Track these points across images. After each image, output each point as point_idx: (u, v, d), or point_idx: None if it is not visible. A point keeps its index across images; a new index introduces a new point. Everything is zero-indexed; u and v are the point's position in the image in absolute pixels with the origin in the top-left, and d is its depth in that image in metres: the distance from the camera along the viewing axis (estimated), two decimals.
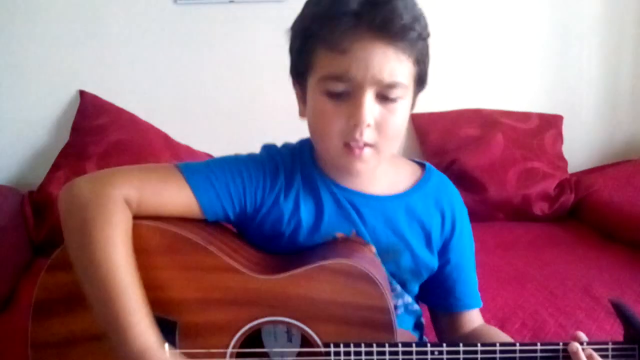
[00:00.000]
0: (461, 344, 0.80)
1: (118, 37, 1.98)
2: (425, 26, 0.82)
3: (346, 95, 0.79)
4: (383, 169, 0.91)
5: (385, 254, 0.90)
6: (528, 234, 1.88)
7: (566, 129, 2.20)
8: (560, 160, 2.12)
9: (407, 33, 0.77)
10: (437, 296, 0.98)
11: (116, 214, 0.78)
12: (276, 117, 1.80)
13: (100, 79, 1.99)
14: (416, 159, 1.00)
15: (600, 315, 1.32)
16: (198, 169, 0.86)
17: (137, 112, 1.98)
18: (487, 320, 1.31)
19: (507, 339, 0.93)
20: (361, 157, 0.81)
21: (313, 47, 0.81)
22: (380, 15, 0.75)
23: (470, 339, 0.95)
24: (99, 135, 1.87)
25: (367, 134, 0.79)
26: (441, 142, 2.10)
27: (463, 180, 1.99)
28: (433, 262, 0.94)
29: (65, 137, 1.92)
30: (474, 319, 0.98)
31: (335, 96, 0.80)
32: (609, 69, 2.27)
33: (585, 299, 1.39)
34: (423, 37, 0.81)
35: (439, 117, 2.16)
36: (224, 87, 2.07)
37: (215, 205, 0.86)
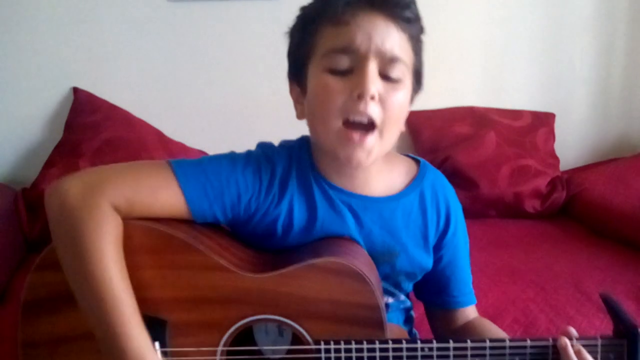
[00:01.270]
0: (451, 341, 0.80)
1: (111, 34, 1.98)
2: (419, 17, 0.85)
3: (349, 72, 0.80)
4: (378, 168, 0.90)
5: (381, 256, 0.90)
6: (520, 231, 1.89)
7: (558, 127, 2.21)
8: (552, 158, 2.13)
9: (404, 10, 0.80)
10: (432, 294, 0.98)
11: (106, 224, 0.77)
12: (270, 114, 1.80)
13: (94, 76, 1.98)
14: (411, 154, 1.00)
15: (590, 311, 1.34)
16: (194, 173, 0.84)
17: (131, 109, 1.98)
18: None
19: (499, 331, 0.94)
20: (363, 145, 0.80)
21: (316, 29, 0.82)
22: None
23: (462, 331, 0.96)
24: (92, 132, 1.87)
25: (372, 107, 0.79)
26: (434, 140, 2.10)
27: (456, 177, 2.00)
28: (428, 262, 0.94)
29: (58, 134, 1.92)
30: (469, 314, 0.99)
31: (338, 73, 0.80)
32: (601, 67, 2.29)
33: (576, 295, 1.41)
34: (419, 23, 0.84)
35: (432, 115, 2.17)
36: (217, 84, 2.07)
37: (206, 214, 0.85)
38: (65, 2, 1.93)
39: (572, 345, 0.79)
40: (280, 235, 0.89)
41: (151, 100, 2.03)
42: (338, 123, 0.80)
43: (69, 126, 1.92)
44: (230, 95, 2.07)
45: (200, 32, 2.03)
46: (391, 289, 0.94)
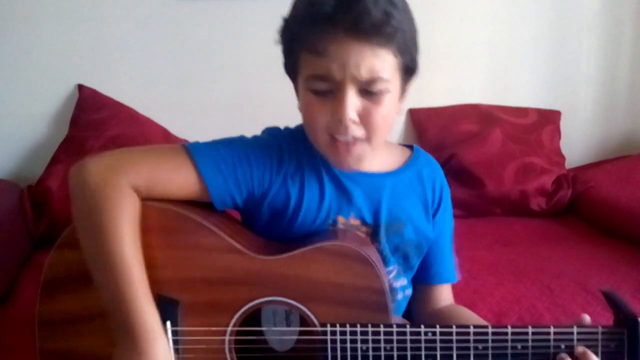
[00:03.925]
0: (454, 326, 0.82)
1: (117, 32, 1.98)
2: (403, 18, 0.82)
3: (330, 92, 0.82)
4: (377, 149, 0.93)
5: (390, 227, 0.94)
6: (525, 229, 1.89)
7: (564, 125, 2.21)
8: (557, 156, 2.13)
9: (380, 29, 0.79)
10: (418, 268, 1.02)
11: (124, 202, 0.81)
12: (275, 112, 1.79)
13: (99, 73, 1.99)
14: (403, 143, 1.05)
15: (596, 310, 1.33)
16: (207, 152, 0.88)
17: (136, 107, 1.98)
18: (484, 314, 1.33)
19: (478, 319, 0.97)
20: (351, 152, 0.85)
21: (296, 50, 0.85)
22: (351, 15, 0.78)
23: (441, 315, 1.00)
24: (97, 129, 1.88)
25: (354, 129, 0.83)
26: (439, 138, 2.10)
27: (461, 175, 2.00)
28: (430, 231, 0.99)
29: (64, 131, 1.92)
30: (445, 295, 1.03)
31: (320, 93, 0.83)
32: (607, 64, 2.28)
33: (582, 294, 1.40)
34: (402, 28, 0.82)
35: (437, 113, 2.17)
36: (223, 82, 2.07)
37: (223, 193, 0.88)
38: (71, 0, 1.93)
39: (576, 346, 0.81)
40: (290, 215, 0.91)
41: (156, 98, 2.03)
42: (325, 137, 0.85)
43: (75, 123, 1.93)
44: (235, 92, 2.08)
45: (206, 30, 2.03)
46: (399, 265, 0.98)
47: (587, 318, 0.84)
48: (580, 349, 0.81)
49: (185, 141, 1.98)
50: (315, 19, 0.79)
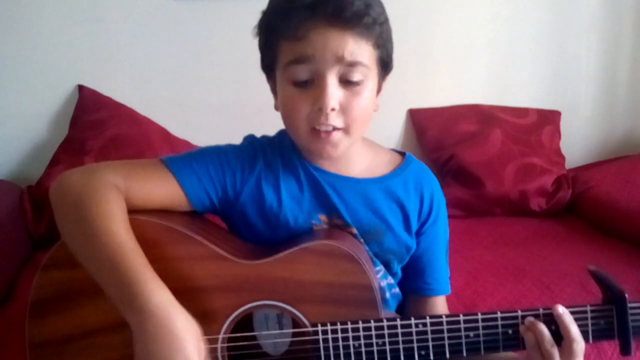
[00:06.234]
0: (444, 316, 0.83)
1: (117, 32, 1.98)
2: (381, 12, 0.85)
3: (310, 83, 0.83)
4: (361, 152, 0.95)
5: (368, 235, 0.93)
6: (525, 229, 1.89)
7: (564, 125, 2.21)
8: (557, 156, 2.12)
9: (361, 18, 0.80)
10: (407, 278, 1.01)
11: (109, 192, 0.81)
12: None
13: (99, 73, 1.99)
14: (396, 149, 1.03)
15: None
16: (180, 158, 0.90)
17: (136, 107, 1.98)
18: None
19: None
20: (330, 140, 0.85)
21: (275, 41, 0.85)
22: (332, 3, 0.79)
23: None
24: (97, 129, 1.87)
25: (333, 118, 0.83)
26: (439, 138, 2.10)
27: (461, 175, 2.00)
28: (412, 242, 0.97)
29: (64, 132, 1.92)
30: (440, 308, 1.01)
31: (300, 84, 0.84)
32: (607, 65, 2.28)
33: (582, 294, 1.40)
34: (379, 22, 0.84)
35: (437, 113, 2.17)
36: (222, 82, 2.07)
37: (198, 191, 0.89)
38: (71, 0, 1.93)
39: (562, 314, 0.82)
40: (270, 218, 0.91)
41: (156, 98, 2.03)
42: (306, 128, 0.86)
43: (74, 124, 1.93)
44: (235, 93, 2.08)
45: (205, 30, 2.03)
46: (382, 269, 0.97)
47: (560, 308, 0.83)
48: (565, 317, 0.81)
49: (185, 142, 1.99)
50: (296, 8, 0.80)
